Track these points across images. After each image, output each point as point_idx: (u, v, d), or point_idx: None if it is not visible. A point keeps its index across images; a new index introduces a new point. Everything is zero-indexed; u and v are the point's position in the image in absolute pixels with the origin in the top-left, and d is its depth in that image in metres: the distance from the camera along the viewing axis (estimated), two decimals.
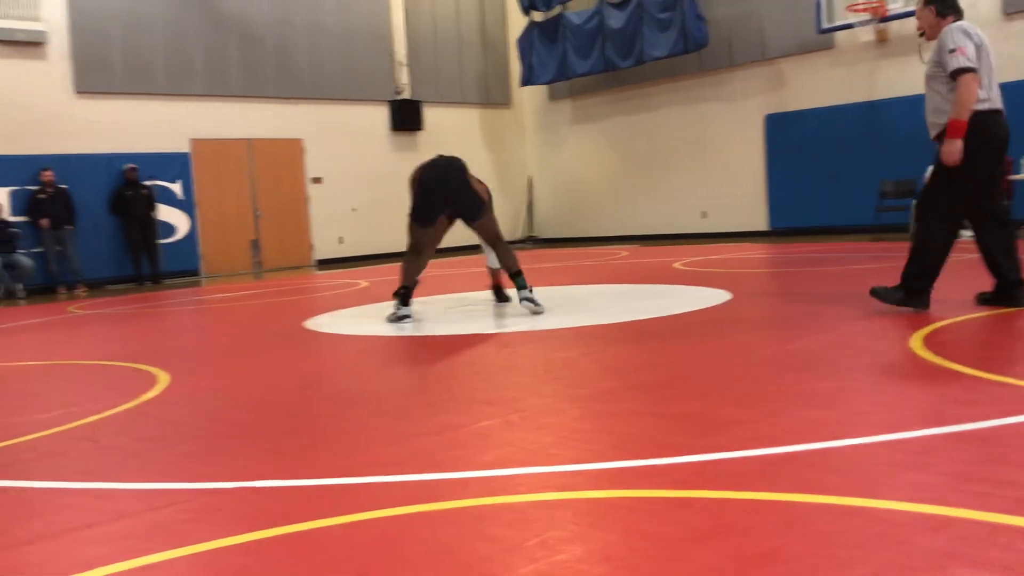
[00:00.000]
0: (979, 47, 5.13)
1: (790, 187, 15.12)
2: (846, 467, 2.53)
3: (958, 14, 5.33)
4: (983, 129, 5.10)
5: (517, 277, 6.53)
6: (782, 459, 2.65)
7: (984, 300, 5.47)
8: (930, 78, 5.31)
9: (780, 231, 15.29)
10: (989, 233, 5.27)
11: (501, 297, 7.68)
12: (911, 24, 13.37)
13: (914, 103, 13.34)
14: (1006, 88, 5.44)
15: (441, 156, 7.06)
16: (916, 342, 4.37)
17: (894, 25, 13.60)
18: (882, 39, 13.79)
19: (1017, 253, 5.25)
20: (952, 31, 5.16)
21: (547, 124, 19.20)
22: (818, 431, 2.91)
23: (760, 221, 15.69)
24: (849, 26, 13.57)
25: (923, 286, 5.34)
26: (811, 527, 2.09)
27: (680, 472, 2.59)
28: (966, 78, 5.05)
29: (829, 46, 14.39)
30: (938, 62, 5.22)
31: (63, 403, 4.36)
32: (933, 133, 5.36)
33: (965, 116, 5.06)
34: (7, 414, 4.17)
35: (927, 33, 5.45)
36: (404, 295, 6.73)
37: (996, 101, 5.18)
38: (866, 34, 13.92)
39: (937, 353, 4.06)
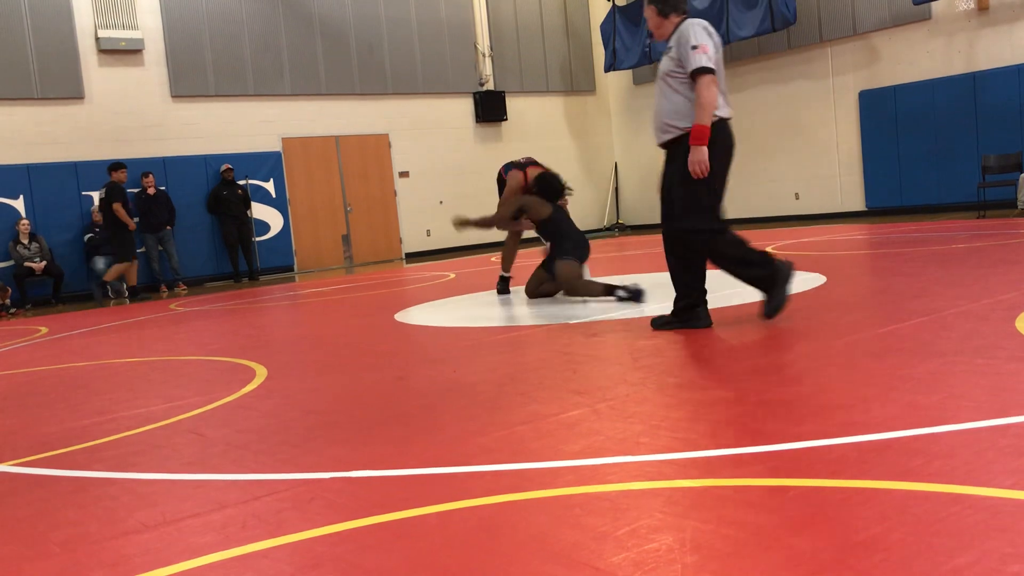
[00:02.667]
0: (717, 49, 4.76)
1: (887, 165, 14.63)
2: (948, 453, 2.44)
3: (680, 12, 4.92)
4: (725, 137, 4.77)
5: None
6: (881, 445, 2.57)
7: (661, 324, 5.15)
8: (666, 76, 4.83)
9: (877, 211, 14.83)
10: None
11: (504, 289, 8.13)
12: None
13: (1018, 73, 12.82)
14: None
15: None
16: (1022, 323, 4.18)
17: None
18: (983, 7, 13.21)
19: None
20: (694, 26, 4.76)
21: (632, 109, 19.02)
22: (918, 416, 2.82)
23: (856, 201, 15.25)
24: None
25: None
26: (911, 515, 2.03)
27: (774, 460, 2.54)
28: (707, 79, 4.62)
29: (925, 17, 13.86)
30: (678, 59, 4.75)
31: (167, 397, 4.53)
32: (665, 138, 4.93)
33: (708, 121, 4.63)
34: (115, 409, 4.36)
35: (654, 33, 5.02)
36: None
37: (728, 107, 4.82)
38: (965, 2, 13.35)
39: None
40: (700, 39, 4.70)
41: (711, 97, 4.64)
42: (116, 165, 12.54)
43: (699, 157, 4.68)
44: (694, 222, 4.93)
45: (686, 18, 4.92)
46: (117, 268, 12.52)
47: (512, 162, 8.06)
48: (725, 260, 4.98)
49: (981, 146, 13.23)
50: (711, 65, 4.66)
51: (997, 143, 13.03)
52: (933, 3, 13.52)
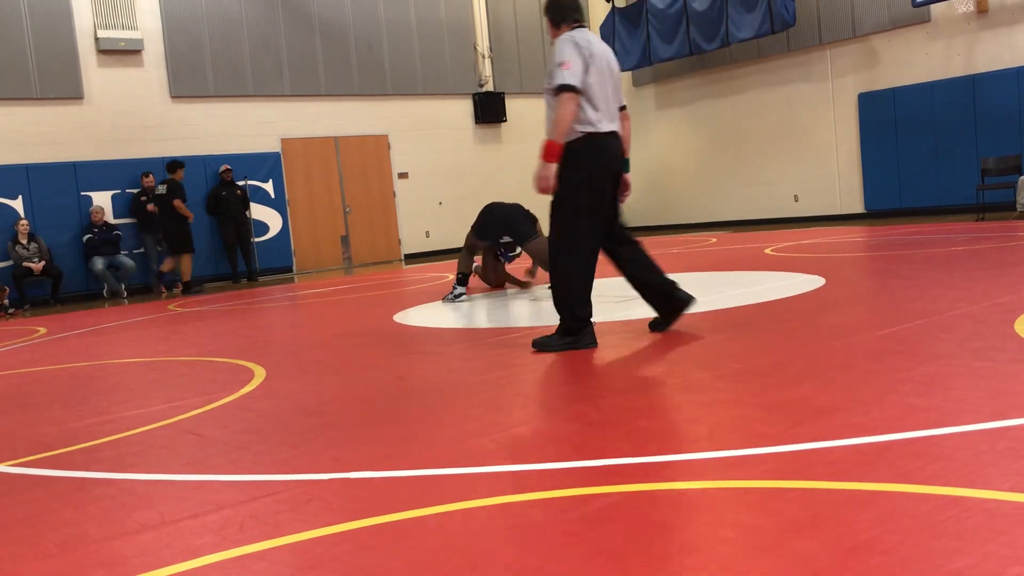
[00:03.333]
0: (591, 59, 4.63)
1: (886, 167, 14.64)
2: (947, 456, 2.44)
3: (570, 22, 4.82)
4: (596, 152, 4.67)
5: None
6: (880, 448, 2.57)
7: (656, 326, 5.14)
8: (545, 90, 4.77)
9: (876, 213, 14.83)
10: (628, 260, 4.98)
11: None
12: None
13: (1017, 76, 12.83)
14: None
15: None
16: (1022, 325, 4.19)
17: None
18: (982, 10, 13.21)
19: (654, 262, 5.01)
20: (565, 43, 4.66)
21: (631, 110, 18.82)
22: (917, 419, 2.82)
23: (855, 203, 15.25)
24: None
25: (582, 324, 4.82)
26: (910, 517, 2.03)
27: (775, 462, 2.54)
28: (564, 96, 4.55)
29: (924, 19, 13.87)
30: (550, 74, 4.70)
31: (166, 398, 4.53)
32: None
33: (559, 137, 4.56)
34: (114, 409, 4.35)
35: (553, 42, 4.88)
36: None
37: (612, 123, 4.73)
38: (965, 5, 13.36)
39: None
40: (566, 55, 4.61)
41: (564, 114, 4.56)
42: (175, 164, 13.12)
43: (543, 173, 4.62)
44: (552, 234, 4.85)
45: (577, 28, 4.82)
46: (173, 261, 13.01)
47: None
48: (568, 278, 4.81)
49: (980, 148, 13.24)
50: (571, 82, 4.56)
51: (996, 145, 13.04)
52: (932, 5, 13.53)
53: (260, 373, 5.00)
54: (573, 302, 4.78)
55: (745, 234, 13.83)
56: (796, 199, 16.14)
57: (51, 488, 3.01)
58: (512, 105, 17.93)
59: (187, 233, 13.07)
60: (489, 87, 17.69)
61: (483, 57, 17.65)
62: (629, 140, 4.95)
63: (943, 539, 1.89)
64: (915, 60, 14.14)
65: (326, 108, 15.84)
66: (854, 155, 15.17)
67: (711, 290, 6.94)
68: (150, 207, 13.25)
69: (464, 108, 17.46)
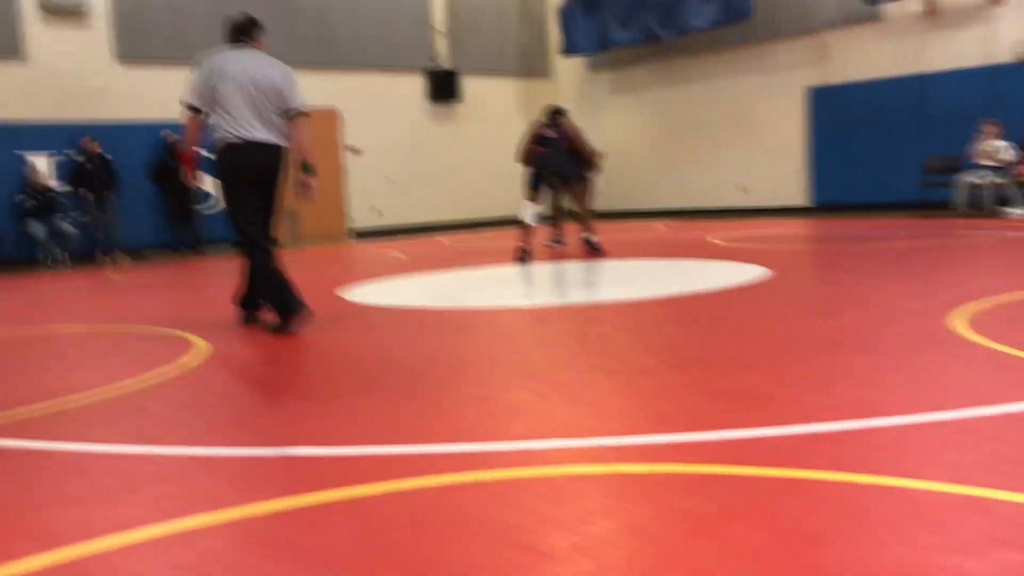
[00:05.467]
0: (212, 78, 5.12)
1: (834, 162, 14.87)
2: (883, 446, 2.49)
3: (231, 41, 5.39)
4: (231, 159, 5.10)
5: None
6: (818, 437, 2.62)
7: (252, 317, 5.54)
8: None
9: (823, 206, 15.07)
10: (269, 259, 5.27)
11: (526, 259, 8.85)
12: None
13: (965, 77, 13.11)
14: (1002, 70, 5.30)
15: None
16: (958, 321, 4.29)
17: None
18: (932, 11, 13.46)
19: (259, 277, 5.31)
20: (200, 63, 5.25)
21: (587, 95, 19.04)
22: (856, 409, 2.87)
23: (802, 196, 15.48)
24: None
25: (289, 305, 5.21)
26: (846, 506, 2.07)
27: (716, 448, 2.57)
28: (185, 112, 5.17)
29: (876, 18, 14.08)
30: None
31: (105, 369, 4.43)
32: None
33: (186, 148, 5.29)
34: (51, 379, 4.25)
35: None
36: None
37: (250, 131, 5.08)
38: (916, 4, 13.59)
39: (979, 333, 3.98)
40: (193, 76, 5.25)
41: (187, 127, 5.21)
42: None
43: (184, 178, 5.37)
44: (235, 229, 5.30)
45: (234, 48, 5.39)
46: None
47: (548, 125, 9.13)
48: (262, 275, 5.28)
49: (925, 147, 13.51)
50: (188, 100, 5.19)
51: (941, 144, 13.31)
52: (884, 4, 13.74)
53: (203, 346, 4.92)
54: (269, 289, 5.26)
55: (694, 223, 13.97)
56: (745, 190, 16.33)
57: None
58: (467, 84, 17.82)
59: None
60: (444, 65, 17.55)
61: (438, 34, 17.50)
62: (303, 145, 5.36)
63: (879, 528, 1.93)
64: (866, 57, 14.36)
65: None
66: (803, 149, 15.38)
67: (659, 278, 6.99)
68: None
69: (418, 85, 17.31)
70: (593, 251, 9.03)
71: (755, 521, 2.01)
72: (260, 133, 5.12)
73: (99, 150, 13.00)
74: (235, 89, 5.08)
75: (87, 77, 13.57)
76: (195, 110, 5.14)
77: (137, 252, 13.73)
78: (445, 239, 14.14)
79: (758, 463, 2.41)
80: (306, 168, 5.38)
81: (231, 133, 5.07)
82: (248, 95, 5.10)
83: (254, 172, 5.17)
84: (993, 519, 1.94)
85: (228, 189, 5.22)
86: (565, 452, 2.63)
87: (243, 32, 5.39)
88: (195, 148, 5.29)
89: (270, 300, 5.25)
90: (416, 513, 2.20)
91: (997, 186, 11.49)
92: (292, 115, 5.29)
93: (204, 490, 2.46)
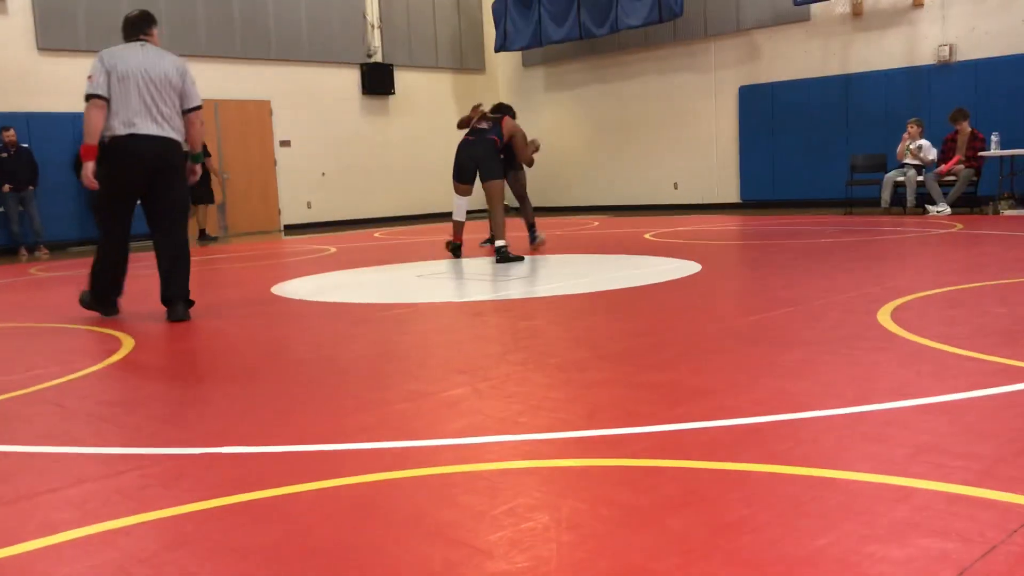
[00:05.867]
0: (111, 72, 5.31)
1: (762, 159, 15.17)
2: (812, 438, 2.55)
3: (126, 37, 5.55)
4: (116, 154, 5.33)
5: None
6: (750, 430, 2.66)
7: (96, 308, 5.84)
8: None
9: (752, 203, 15.36)
10: (120, 251, 5.67)
11: (457, 254, 8.77)
12: None
13: (887, 77, 13.47)
14: (983, 64, 5.47)
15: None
16: (884, 315, 4.41)
17: None
18: (857, 13, 13.80)
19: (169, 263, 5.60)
20: (96, 58, 5.39)
21: (521, 91, 19.08)
22: (786, 403, 2.93)
23: (732, 193, 15.75)
24: None
25: (102, 294, 5.75)
26: (777, 497, 2.11)
27: (649, 441, 2.60)
28: (88, 105, 5.28)
29: (804, 18, 14.39)
30: None
31: (25, 366, 4.29)
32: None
33: (89, 140, 5.31)
34: None
35: None
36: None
37: (138, 126, 5.32)
38: (842, 6, 13.92)
39: (904, 327, 4.10)
40: (91, 70, 5.33)
41: (88, 119, 5.29)
42: None
43: (82, 172, 5.39)
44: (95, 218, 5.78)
45: (131, 43, 5.52)
46: (195, 209, 14.04)
47: (486, 117, 8.82)
48: (97, 254, 5.72)
49: (850, 145, 13.86)
50: (90, 91, 5.28)
51: (865, 143, 13.67)
52: (812, 5, 14.04)
53: (128, 343, 4.80)
54: (94, 273, 5.69)
55: (626, 219, 14.10)
56: (676, 187, 16.54)
57: None
58: (401, 77, 17.72)
59: (211, 185, 14.45)
60: (378, 58, 17.41)
61: (372, 27, 17.34)
62: (197, 139, 5.65)
63: (807, 518, 1.97)
64: (794, 57, 14.67)
65: (205, 69, 15.23)
66: (733, 146, 15.65)
67: (592, 272, 7.04)
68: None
69: (351, 78, 17.14)
70: (502, 259, 8.03)
71: (692, 514, 2.03)
72: (150, 127, 5.31)
73: (16, 140, 12.58)
74: (127, 83, 5.28)
75: (6, 67, 13.12)
76: (103, 99, 5.27)
77: (58, 246, 13.35)
78: (378, 233, 14.03)
79: (691, 456, 2.44)
80: (194, 157, 5.64)
81: (122, 126, 5.27)
82: (139, 89, 5.30)
83: (140, 166, 5.34)
84: (913, 507, 2.00)
85: (106, 180, 5.40)
86: (499, 447, 2.63)
87: (137, 28, 5.54)
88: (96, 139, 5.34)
89: (91, 280, 5.71)
90: (349, 511, 2.17)
91: (920, 184, 11.84)
92: (186, 111, 5.52)
93: (129, 490, 2.40)
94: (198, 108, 5.59)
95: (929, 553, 1.77)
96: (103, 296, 5.73)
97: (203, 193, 14.22)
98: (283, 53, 16.12)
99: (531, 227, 9.65)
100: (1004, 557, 1.74)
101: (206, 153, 14.53)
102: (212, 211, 14.93)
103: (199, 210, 14.23)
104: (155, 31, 5.64)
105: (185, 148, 5.59)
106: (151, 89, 5.32)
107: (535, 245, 9.47)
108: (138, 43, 5.49)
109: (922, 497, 2.06)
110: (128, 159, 5.31)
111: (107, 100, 5.26)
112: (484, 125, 8.66)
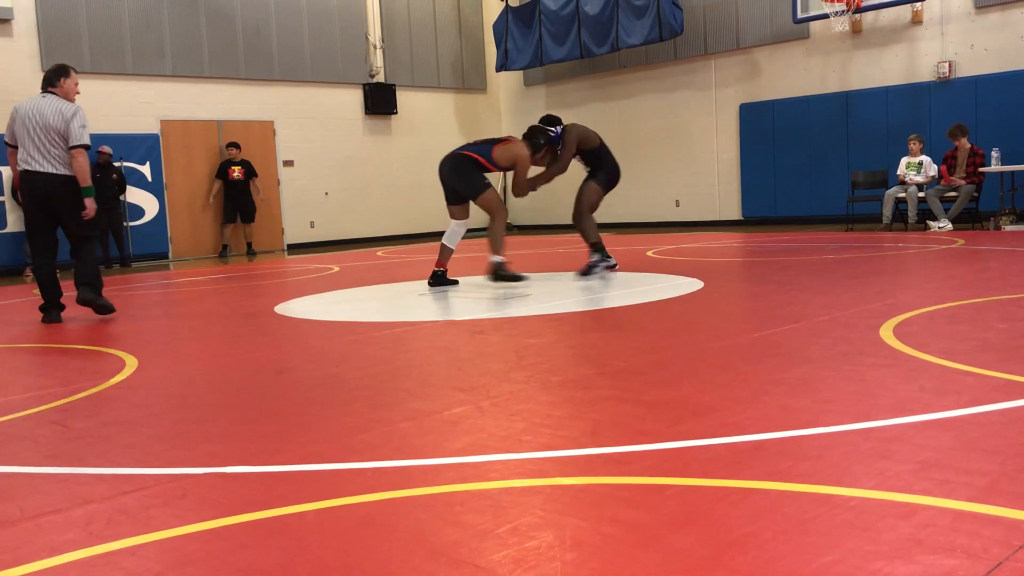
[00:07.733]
0: (14, 121, 6.56)
1: (764, 176, 15.20)
2: (816, 455, 2.54)
3: (41, 90, 6.72)
4: (24, 183, 6.59)
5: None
6: (754, 447, 2.66)
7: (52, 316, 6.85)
8: None
9: (753, 220, 15.38)
10: (49, 259, 6.82)
11: (438, 281, 7.86)
12: (885, 16, 13.49)
13: (886, 94, 13.52)
14: (982, 80, 5.48)
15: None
16: (886, 331, 4.41)
17: (868, 16, 13.70)
18: (856, 30, 13.86)
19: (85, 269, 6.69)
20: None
21: (522, 110, 19.15)
22: (789, 419, 2.93)
23: (733, 210, 15.77)
24: (825, 16, 13.60)
25: (49, 305, 6.84)
26: (781, 514, 2.11)
27: (653, 459, 2.59)
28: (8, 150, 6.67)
29: (804, 36, 14.46)
30: None
31: (30, 386, 4.30)
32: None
33: (14, 174, 6.67)
34: None
35: None
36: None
37: (31, 163, 6.50)
38: (841, 24, 13.99)
39: (907, 343, 4.10)
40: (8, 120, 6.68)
41: (10, 160, 6.69)
42: (234, 144, 15.19)
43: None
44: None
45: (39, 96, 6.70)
46: (234, 228, 15.39)
47: (487, 141, 8.35)
48: (36, 271, 7.01)
49: (851, 162, 13.89)
50: (6, 139, 6.70)
51: (865, 160, 13.70)
52: (811, 23, 14.11)
53: (132, 363, 4.80)
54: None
55: (628, 236, 14.12)
56: (677, 204, 16.57)
57: None
58: (403, 97, 17.80)
59: (253, 204, 15.48)
60: (380, 78, 17.49)
61: (375, 48, 17.44)
62: (83, 173, 6.57)
63: (811, 535, 1.97)
64: (794, 74, 14.73)
65: (209, 90, 15.35)
66: (734, 164, 15.68)
67: (595, 290, 7.05)
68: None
69: (354, 98, 17.22)
70: (496, 276, 7.68)
71: (696, 532, 2.03)
72: (41, 164, 6.49)
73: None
74: (26, 128, 6.49)
75: (11, 89, 13.19)
76: (12, 146, 6.61)
77: (64, 267, 13.35)
78: (381, 252, 14.05)
79: (695, 473, 2.44)
80: (85, 191, 6.59)
81: (22, 163, 6.53)
82: (33, 132, 6.47)
83: (37, 195, 6.57)
84: (918, 524, 2.00)
85: (22, 207, 6.96)
86: (503, 465, 2.63)
87: (48, 82, 6.70)
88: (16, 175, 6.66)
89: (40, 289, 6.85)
90: (352, 530, 2.17)
91: (921, 200, 11.86)
92: (70, 148, 6.53)
93: (133, 510, 2.40)
94: (81, 146, 6.53)
95: (934, 570, 1.77)
96: (44, 306, 6.84)
97: (250, 211, 15.33)
98: (286, 74, 16.21)
99: (594, 247, 8.29)
100: (1009, 573, 1.73)
101: (252, 173, 15.38)
102: (253, 228, 15.68)
103: (245, 228, 15.40)
104: (64, 80, 6.70)
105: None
106: (37, 132, 6.47)
107: (588, 270, 8.20)
108: (42, 95, 6.66)
109: (927, 514, 2.06)
110: (25, 188, 6.61)
111: (15, 145, 6.58)
112: (475, 140, 8.48)
